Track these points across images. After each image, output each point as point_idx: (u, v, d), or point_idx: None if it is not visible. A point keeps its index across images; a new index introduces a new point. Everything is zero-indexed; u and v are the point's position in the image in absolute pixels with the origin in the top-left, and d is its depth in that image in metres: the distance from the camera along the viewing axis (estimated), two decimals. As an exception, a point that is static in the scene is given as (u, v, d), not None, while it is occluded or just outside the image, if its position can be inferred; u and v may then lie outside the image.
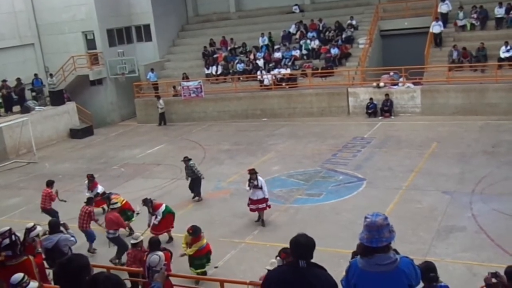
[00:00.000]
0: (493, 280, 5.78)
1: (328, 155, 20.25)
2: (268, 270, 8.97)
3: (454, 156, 18.57)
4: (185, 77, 29.54)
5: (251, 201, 14.28)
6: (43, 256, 9.00)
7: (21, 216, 15.69)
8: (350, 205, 15.21)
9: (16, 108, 27.33)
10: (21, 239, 7.75)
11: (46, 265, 8.68)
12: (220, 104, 28.68)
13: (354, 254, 4.61)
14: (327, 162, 19.38)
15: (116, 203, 13.17)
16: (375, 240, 4.07)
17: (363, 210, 14.09)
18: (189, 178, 16.72)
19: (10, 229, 7.23)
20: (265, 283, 4.77)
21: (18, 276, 6.24)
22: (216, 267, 12.08)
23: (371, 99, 25.34)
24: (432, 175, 16.88)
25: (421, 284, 5.47)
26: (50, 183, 15.04)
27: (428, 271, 6.12)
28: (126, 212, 14.28)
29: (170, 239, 13.65)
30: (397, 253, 4.29)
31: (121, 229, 13.18)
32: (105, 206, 15.24)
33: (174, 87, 29.79)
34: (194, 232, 11.18)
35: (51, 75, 30.00)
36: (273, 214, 14.96)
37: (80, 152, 25.41)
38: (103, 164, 22.54)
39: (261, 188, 14.03)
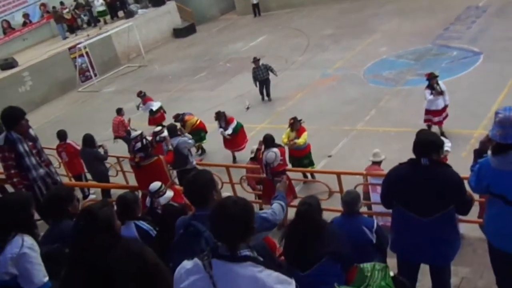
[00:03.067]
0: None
1: (440, 30, 18.92)
2: (373, 162, 8.84)
3: None
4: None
5: (431, 113, 11.63)
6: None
7: (138, 119, 16.42)
8: (466, 82, 14.29)
9: (120, 13, 28.06)
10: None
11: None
12: (319, -15, 27.39)
13: (477, 152, 4.31)
14: (439, 38, 18.17)
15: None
16: (510, 136, 3.77)
17: (480, 87, 13.40)
18: (257, 82, 16.25)
19: (141, 133, 7.84)
20: (385, 181, 4.73)
21: (156, 184, 6.65)
22: (329, 156, 12.16)
23: (486, -39, 22.84)
24: (561, 41, 15.31)
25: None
26: (119, 110, 14.45)
27: None
28: (200, 132, 13.13)
29: (234, 159, 12.89)
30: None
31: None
32: (164, 123, 14.26)
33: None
34: (296, 122, 10.68)
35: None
36: (384, 98, 14.55)
37: (185, 51, 25.88)
38: (209, 61, 22.84)
39: (442, 93, 11.50)
